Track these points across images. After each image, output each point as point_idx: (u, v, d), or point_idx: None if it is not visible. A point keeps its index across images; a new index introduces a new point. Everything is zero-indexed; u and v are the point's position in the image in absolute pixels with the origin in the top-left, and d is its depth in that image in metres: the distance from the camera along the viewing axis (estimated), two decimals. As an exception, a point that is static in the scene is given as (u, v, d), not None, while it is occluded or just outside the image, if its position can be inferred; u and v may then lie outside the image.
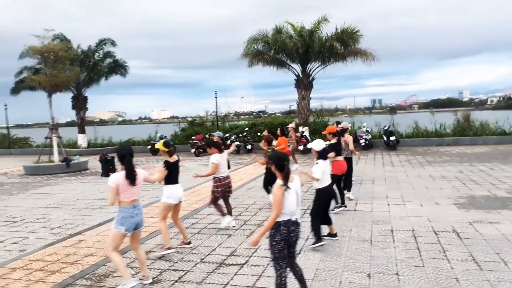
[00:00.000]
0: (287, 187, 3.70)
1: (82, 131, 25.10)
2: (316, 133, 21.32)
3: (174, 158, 5.84)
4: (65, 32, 22.98)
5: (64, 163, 15.64)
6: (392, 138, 18.54)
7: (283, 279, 3.75)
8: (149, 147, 22.18)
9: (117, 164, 14.67)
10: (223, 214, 7.00)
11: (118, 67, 25.15)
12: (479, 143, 18.94)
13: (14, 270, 5.45)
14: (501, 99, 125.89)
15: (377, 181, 10.86)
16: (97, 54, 24.74)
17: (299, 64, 20.82)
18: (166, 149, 5.75)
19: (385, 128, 19.64)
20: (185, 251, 5.94)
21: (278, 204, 3.65)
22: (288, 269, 3.89)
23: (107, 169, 14.20)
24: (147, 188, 10.95)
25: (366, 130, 19.80)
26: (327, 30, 20.06)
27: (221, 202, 7.04)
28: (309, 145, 6.04)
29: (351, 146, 8.75)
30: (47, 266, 5.54)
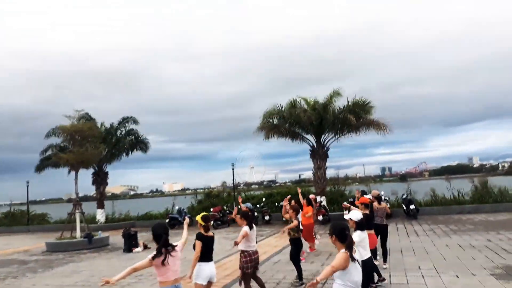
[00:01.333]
0: (352, 258, 3.78)
1: (101, 206, 25.38)
2: (334, 202, 21.36)
3: (210, 233, 5.88)
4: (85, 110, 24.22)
5: (86, 239, 15.70)
6: (412, 206, 18.41)
7: None
8: (167, 220, 22.23)
9: (139, 238, 14.65)
10: None
11: (140, 143, 26.10)
12: (500, 210, 18.67)
13: None
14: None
15: (406, 252, 10.72)
16: (119, 131, 25.86)
17: (313, 136, 21.48)
18: (204, 223, 5.82)
19: (403, 197, 19.60)
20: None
21: (338, 265, 3.71)
22: None
23: (130, 244, 14.24)
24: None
25: (385, 199, 19.75)
26: (339, 103, 21.02)
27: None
28: (346, 216, 6.06)
29: (388, 211, 8.99)
30: None
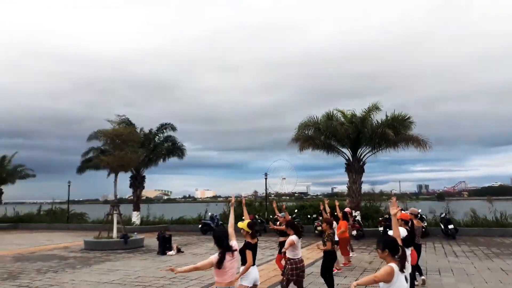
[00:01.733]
0: (403, 271, 3.74)
1: (137, 208, 26.08)
2: (368, 218, 20.90)
3: (255, 240, 6.03)
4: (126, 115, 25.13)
5: (122, 239, 16.18)
6: (451, 226, 17.73)
7: None
8: (199, 226, 22.52)
9: (173, 242, 14.87)
10: None
11: (176, 150, 26.72)
12: (547, 235, 17.63)
13: None
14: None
15: (444, 272, 10.34)
16: (157, 137, 26.61)
17: (349, 149, 21.21)
18: (250, 231, 5.96)
19: (442, 216, 18.93)
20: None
21: (382, 276, 3.70)
22: None
23: (164, 247, 14.54)
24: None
25: (422, 217, 19.13)
26: (377, 117, 20.67)
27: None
28: (391, 232, 5.90)
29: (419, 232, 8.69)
30: None
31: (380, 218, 19.80)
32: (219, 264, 4.46)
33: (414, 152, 19.89)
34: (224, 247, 4.53)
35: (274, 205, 10.87)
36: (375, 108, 20.43)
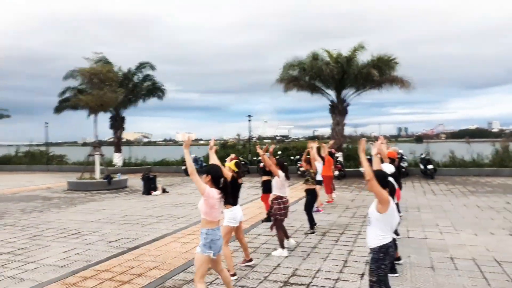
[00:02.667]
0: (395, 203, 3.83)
1: (118, 150, 25.81)
2: (350, 159, 21.30)
3: (240, 181, 6.00)
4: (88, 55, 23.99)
5: (106, 180, 16.08)
6: (430, 166, 18.28)
7: None
8: (183, 167, 22.56)
9: (159, 182, 14.88)
10: (282, 245, 6.81)
11: (156, 90, 26.00)
12: (520, 174, 18.43)
13: (85, 279, 5.66)
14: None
15: (423, 209, 10.73)
16: (136, 76, 25.71)
17: (334, 90, 21.05)
18: (237, 169, 5.92)
19: (422, 156, 19.44)
20: (246, 269, 6.02)
21: (383, 197, 3.74)
22: None
23: (149, 187, 14.54)
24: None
25: (402, 158, 19.60)
26: (363, 58, 20.34)
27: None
28: (384, 166, 5.91)
29: None
30: (116, 277, 5.73)
31: (362, 159, 20.18)
32: (226, 200, 4.44)
33: (394, 95, 20.10)
34: (223, 185, 4.37)
35: (258, 149, 10.69)
36: (360, 47, 20.01)
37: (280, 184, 6.86)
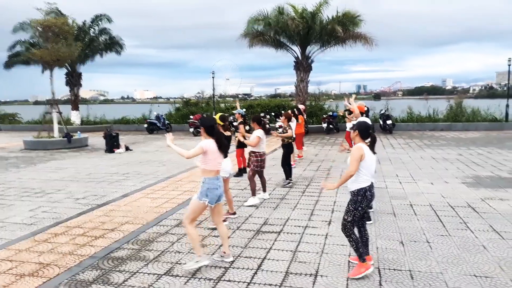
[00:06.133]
0: (374, 152, 4.05)
1: (75, 108, 24.80)
2: (313, 115, 21.71)
3: (228, 133, 6.06)
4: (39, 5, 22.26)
5: (65, 138, 15.54)
6: (389, 122, 19.01)
7: (355, 236, 4.11)
8: (145, 125, 22.13)
9: (121, 140, 14.61)
10: (254, 194, 7.14)
11: (114, 44, 24.78)
12: (471, 128, 19.60)
13: (56, 235, 5.61)
14: (483, 88, 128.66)
15: (383, 162, 11.25)
16: (92, 30, 24.30)
17: (299, 46, 20.97)
18: (222, 123, 5.96)
19: (381, 112, 20.11)
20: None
21: (355, 162, 3.93)
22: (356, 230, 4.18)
23: (112, 145, 14.23)
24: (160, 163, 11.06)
25: (368, 111, 20.19)
26: (328, 13, 20.25)
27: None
28: (354, 122, 6.14)
29: None
30: (88, 232, 5.71)
31: (324, 116, 20.64)
32: (223, 149, 4.48)
33: (354, 53, 20.25)
34: (216, 134, 4.44)
35: (237, 105, 11.08)
36: (325, 2, 19.84)
37: (259, 140, 7.02)
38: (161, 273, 4.35)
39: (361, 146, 4.04)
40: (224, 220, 5.85)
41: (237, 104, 11.29)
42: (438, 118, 21.27)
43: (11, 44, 22.70)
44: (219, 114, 6.28)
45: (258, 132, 7.03)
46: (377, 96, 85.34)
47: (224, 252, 4.64)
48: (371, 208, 6.37)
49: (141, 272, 4.37)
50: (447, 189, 7.99)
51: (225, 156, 5.86)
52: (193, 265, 4.34)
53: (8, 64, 23.50)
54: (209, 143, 4.38)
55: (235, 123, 12.24)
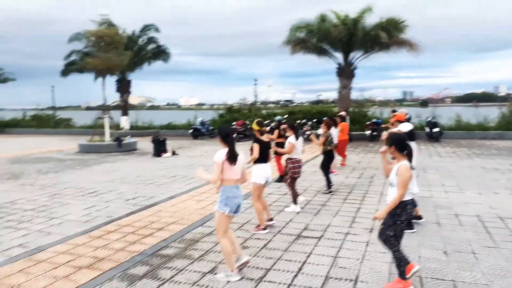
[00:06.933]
0: (411, 167, 3.95)
1: (125, 113, 25.99)
2: (356, 122, 21.42)
3: (265, 138, 6.18)
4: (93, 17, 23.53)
5: (116, 142, 16.38)
6: (436, 129, 18.42)
7: (402, 252, 3.99)
8: (190, 131, 22.80)
9: (168, 145, 15.15)
10: (295, 202, 7.17)
11: (161, 53, 25.83)
12: (525, 138, 18.54)
13: (109, 233, 6.01)
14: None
15: (429, 170, 10.96)
16: (141, 39, 25.47)
17: (341, 53, 20.86)
18: (258, 128, 6.10)
19: (428, 119, 19.52)
20: (252, 228, 6.32)
21: (405, 185, 3.85)
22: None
23: (159, 149, 14.83)
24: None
25: (409, 119, 19.69)
26: (370, 20, 20.04)
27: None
28: (395, 129, 6.14)
29: None
30: (138, 231, 6.07)
31: (367, 123, 20.34)
32: (232, 159, 4.37)
33: (400, 58, 19.95)
34: (229, 143, 4.44)
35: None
36: (368, 9, 19.66)
37: (293, 147, 7.07)
38: (205, 271, 4.57)
39: (408, 167, 3.92)
40: (264, 228, 5.99)
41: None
42: (489, 126, 20.30)
43: (67, 53, 24.29)
44: (257, 120, 6.40)
45: (291, 139, 7.06)
46: (424, 103, 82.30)
47: (239, 255, 4.55)
48: (421, 218, 6.24)
49: (187, 270, 4.62)
50: (496, 200, 7.69)
51: (264, 161, 6.03)
52: (223, 277, 4.34)
53: (65, 72, 25.15)
54: (221, 154, 4.36)
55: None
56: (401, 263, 3.97)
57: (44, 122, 31.22)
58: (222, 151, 4.43)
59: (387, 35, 18.97)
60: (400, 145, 3.97)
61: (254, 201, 6.02)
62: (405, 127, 6.01)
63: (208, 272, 4.54)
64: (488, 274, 4.37)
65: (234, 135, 20.43)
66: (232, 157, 4.38)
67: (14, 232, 6.15)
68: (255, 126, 6.17)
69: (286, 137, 8.79)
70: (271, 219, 6.28)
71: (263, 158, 6.05)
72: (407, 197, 3.97)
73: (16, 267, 4.79)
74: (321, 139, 8.70)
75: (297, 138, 7.14)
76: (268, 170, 6.07)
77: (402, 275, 3.99)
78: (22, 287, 4.25)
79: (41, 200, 8.23)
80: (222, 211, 4.35)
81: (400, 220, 3.96)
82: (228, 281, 4.28)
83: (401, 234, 4.03)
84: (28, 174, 11.40)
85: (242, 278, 4.36)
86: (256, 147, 5.99)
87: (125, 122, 26.01)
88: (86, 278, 4.43)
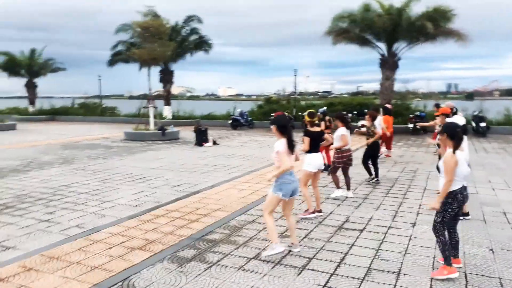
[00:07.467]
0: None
1: (168, 103, 26.73)
2: (398, 115, 20.92)
3: (316, 128, 6.35)
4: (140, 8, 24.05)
5: (160, 131, 16.96)
6: (483, 124, 17.70)
7: (444, 238, 4.15)
8: (230, 121, 23.15)
9: (208, 135, 15.44)
10: (338, 186, 7.51)
11: (203, 44, 26.25)
12: None
13: (158, 217, 6.34)
14: None
15: (474, 166, 10.57)
16: (184, 30, 25.98)
17: (385, 43, 20.38)
18: (310, 119, 6.27)
19: (474, 114, 18.77)
20: (300, 213, 6.46)
21: (451, 171, 3.97)
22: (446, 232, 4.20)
23: (201, 139, 15.24)
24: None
25: (456, 113, 18.99)
26: (416, 9, 19.41)
27: (339, 173, 7.61)
28: (449, 119, 6.11)
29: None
30: (185, 216, 6.37)
31: (410, 116, 19.84)
32: (291, 148, 4.63)
33: (445, 49, 19.13)
34: (287, 133, 4.66)
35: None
36: (414, -3, 19.03)
37: (343, 138, 7.27)
38: (250, 257, 4.77)
39: (454, 155, 4.02)
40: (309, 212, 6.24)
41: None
42: (541, 121, 19.25)
43: (114, 44, 25.25)
44: (308, 110, 6.55)
45: (342, 131, 7.22)
46: (469, 96, 78.47)
47: (292, 243, 4.94)
48: (468, 215, 6.15)
49: (233, 255, 4.84)
50: (548, 199, 7.40)
51: (315, 151, 6.20)
52: (270, 251, 4.66)
53: (111, 62, 26.18)
54: (281, 144, 4.59)
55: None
56: (446, 248, 4.12)
57: (91, 110, 32.72)
58: (280, 141, 4.65)
59: (433, 25, 18.34)
60: (452, 133, 4.05)
61: (302, 187, 6.19)
62: (459, 120, 5.94)
63: (253, 258, 4.73)
64: (537, 274, 4.28)
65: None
66: (291, 147, 4.64)
67: (71, 213, 6.62)
68: (307, 118, 6.35)
69: (329, 128, 8.86)
70: (319, 211, 6.43)
71: (314, 148, 6.22)
72: (457, 187, 4.05)
73: (75, 245, 5.20)
74: (375, 131, 8.70)
75: (348, 129, 7.34)
76: (320, 159, 6.27)
77: (447, 260, 4.13)
78: (82, 264, 4.62)
79: (93, 184, 8.75)
80: (276, 194, 4.64)
81: (450, 208, 4.09)
82: (275, 253, 4.62)
83: (449, 222, 4.18)
84: (79, 159, 12.09)
85: (284, 251, 4.75)
86: (307, 140, 6.16)
87: (167, 112, 26.76)
88: (139, 259, 4.75)
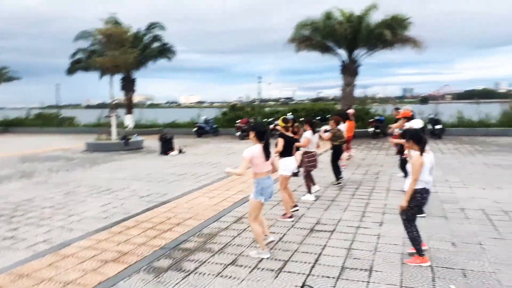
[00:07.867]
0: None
1: (129, 112, 26.19)
2: (358, 120, 21.62)
3: (290, 134, 6.59)
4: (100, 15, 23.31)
5: (123, 141, 16.60)
6: (438, 126, 18.65)
7: (413, 233, 4.60)
8: (194, 129, 23.00)
9: (175, 143, 15.31)
10: (309, 190, 7.74)
11: (166, 51, 26.00)
12: (527, 134, 18.77)
13: (129, 228, 6.24)
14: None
15: (433, 166, 11.18)
16: (146, 37, 25.63)
17: (346, 50, 21.05)
18: (284, 124, 6.48)
19: (430, 116, 19.74)
20: (275, 218, 6.58)
21: (416, 172, 4.34)
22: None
23: (166, 148, 15.06)
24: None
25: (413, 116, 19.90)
26: (375, 17, 20.22)
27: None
28: (408, 124, 6.47)
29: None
30: (156, 226, 6.31)
31: (371, 120, 20.57)
32: (267, 155, 4.78)
33: (401, 55, 20.04)
34: (265, 140, 4.79)
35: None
36: (373, 7, 19.85)
37: (309, 141, 7.55)
38: (227, 263, 4.82)
39: (420, 157, 4.42)
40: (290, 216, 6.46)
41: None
42: (490, 122, 20.53)
43: (73, 51, 24.47)
44: (282, 117, 6.82)
45: (307, 134, 7.55)
46: (424, 100, 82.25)
47: (265, 235, 5.22)
48: (423, 212, 6.47)
49: (209, 262, 4.86)
50: (500, 194, 7.93)
51: (289, 155, 6.41)
52: (256, 254, 4.96)
53: (70, 70, 25.33)
54: (251, 150, 4.74)
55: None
56: (416, 242, 4.58)
57: (48, 121, 31.37)
58: (253, 148, 4.79)
59: (391, 33, 19.16)
60: (417, 138, 4.46)
61: (281, 191, 6.47)
62: (417, 123, 6.31)
63: (230, 264, 4.78)
64: (495, 263, 4.61)
65: (238, 133, 20.71)
66: (267, 153, 4.81)
67: (37, 228, 6.38)
68: (281, 123, 6.57)
69: (297, 134, 9.09)
70: (295, 206, 6.71)
71: (288, 151, 6.45)
72: (419, 186, 4.45)
73: (45, 261, 5.02)
74: (329, 134, 9.02)
75: (314, 133, 7.68)
76: (293, 163, 6.53)
77: (419, 251, 4.59)
78: (54, 280, 4.48)
79: (58, 197, 8.46)
80: (258, 200, 4.86)
81: (410, 205, 4.53)
82: (261, 258, 4.86)
83: (414, 218, 4.63)
84: (40, 172, 11.62)
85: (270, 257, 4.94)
86: (281, 141, 6.39)
87: (129, 120, 26.21)
88: (114, 271, 4.67)
